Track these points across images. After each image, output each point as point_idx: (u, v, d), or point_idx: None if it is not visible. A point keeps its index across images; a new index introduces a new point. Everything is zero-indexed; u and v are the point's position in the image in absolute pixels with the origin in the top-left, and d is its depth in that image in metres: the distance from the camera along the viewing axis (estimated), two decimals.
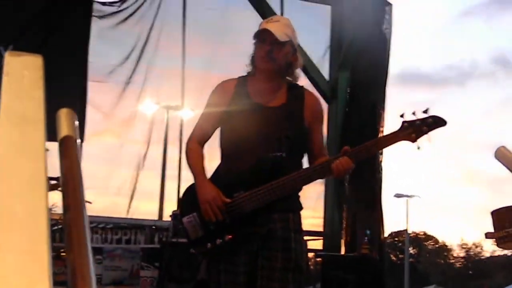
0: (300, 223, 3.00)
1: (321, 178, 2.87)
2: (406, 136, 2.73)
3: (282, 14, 7.94)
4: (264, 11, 7.67)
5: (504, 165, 1.49)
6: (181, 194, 3.23)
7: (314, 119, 2.97)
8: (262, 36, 2.86)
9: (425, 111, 2.70)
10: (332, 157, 2.83)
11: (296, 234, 2.93)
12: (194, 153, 2.98)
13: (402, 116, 2.74)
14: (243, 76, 2.99)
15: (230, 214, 2.83)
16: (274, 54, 2.85)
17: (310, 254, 7.32)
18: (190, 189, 2.99)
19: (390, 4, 7.88)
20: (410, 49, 70.22)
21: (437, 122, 2.71)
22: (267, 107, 2.90)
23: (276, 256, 2.82)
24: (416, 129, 2.71)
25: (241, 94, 2.92)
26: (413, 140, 2.72)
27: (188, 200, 2.97)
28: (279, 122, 2.84)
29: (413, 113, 2.71)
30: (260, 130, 2.84)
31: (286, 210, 2.90)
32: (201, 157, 2.97)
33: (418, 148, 2.72)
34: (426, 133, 2.71)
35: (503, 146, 1.47)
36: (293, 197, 2.96)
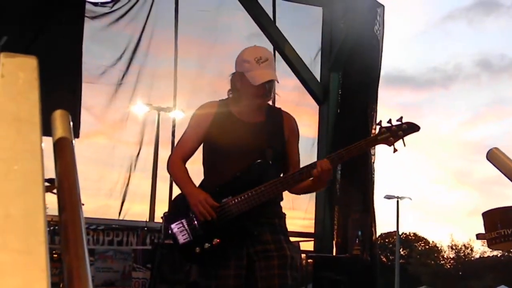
0: (286, 229, 3.18)
1: (303, 180, 3.03)
2: (384, 140, 3.03)
3: (274, 15, 7.95)
4: (256, 12, 7.69)
5: (496, 166, 1.50)
6: (173, 195, 3.36)
7: (292, 135, 3.23)
8: (267, 84, 3.06)
9: (399, 119, 3.02)
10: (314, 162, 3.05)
11: (284, 236, 3.12)
12: (177, 167, 3.15)
13: (379, 123, 3.05)
14: (224, 99, 3.20)
15: (219, 218, 2.97)
16: (271, 93, 3.13)
17: (302, 255, 7.32)
18: (177, 198, 3.17)
19: (382, 6, 7.87)
20: (394, 51, 70.54)
21: (411, 127, 3.03)
22: (250, 123, 3.12)
23: (272, 255, 2.97)
24: (392, 133, 3.01)
25: (224, 112, 3.14)
26: (390, 144, 3.02)
27: (176, 208, 3.14)
28: (262, 135, 3.09)
29: (389, 121, 3.02)
30: (244, 143, 3.06)
31: (272, 215, 3.10)
32: (186, 170, 3.14)
33: (395, 150, 3.02)
34: (401, 137, 3.02)
35: (495, 148, 1.48)
36: (277, 204, 3.16)
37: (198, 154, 3.25)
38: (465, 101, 75.17)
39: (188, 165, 3.17)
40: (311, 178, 3.01)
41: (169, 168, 3.17)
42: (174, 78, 7.67)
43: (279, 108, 3.32)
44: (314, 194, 7.98)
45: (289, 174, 3.07)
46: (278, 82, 3.14)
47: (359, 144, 3.02)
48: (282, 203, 3.20)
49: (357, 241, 7.14)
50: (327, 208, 7.79)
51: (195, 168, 3.27)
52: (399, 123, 3.01)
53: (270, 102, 3.36)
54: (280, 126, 3.19)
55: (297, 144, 3.28)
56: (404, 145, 3.01)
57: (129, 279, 6.24)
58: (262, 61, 3.02)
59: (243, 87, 3.08)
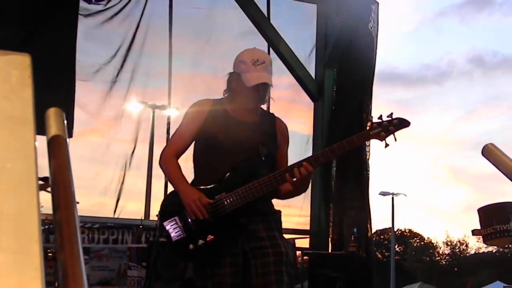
0: (281, 225, 3.20)
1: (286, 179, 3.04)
2: (375, 135, 3.07)
3: (268, 13, 7.94)
4: (251, 10, 7.67)
5: (491, 162, 1.50)
6: (167, 193, 3.34)
7: (283, 139, 3.29)
8: (261, 87, 3.12)
9: (390, 115, 3.06)
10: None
11: (279, 233, 3.12)
12: (170, 163, 3.15)
13: (370, 119, 3.13)
14: (218, 99, 3.24)
15: (213, 214, 2.98)
16: (265, 96, 3.19)
17: (298, 253, 7.32)
18: (170, 196, 3.17)
19: (376, 3, 7.88)
20: (387, 48, 70.76)
21: (402, 122, 3.06)
22: (244, 121, 3.16)
23: (267, 252, 2.98)
24: (384, 128, 3.05)
25: (218, 110, 3.17)
26: (382, 139, 3.06)
27: (169, 205, 3.13)
28: (256, 133, 3.13)
29: (380, 117, 3.07)
30: (238, 140, 3.08)
31: (265, 212, 3.11)
32: (179, 167, 3.15)
33: (387, 145, 3.05)
34: (392, 132, 3.05)
35: (491, 144, 1.48)
36: (270, 201, 3.18)
37: (190, 152, 3.25)
38: (459, 97, 75.46)
39: (182, 163, 3.16)
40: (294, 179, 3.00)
41: (162, 163, 3.17)
42: (168, 76, 7.65)
43: (272, 113, 3.40)
44: (309, 191, 7.97)
45: (278, 171, 3.05)
46: (272, 86, 3.17)
47: (351, 139, 3.05)
48: (278, 201, 3.21)
49: (352, 238, 7.14)
50: (322, 205, 7.78)
51: (189, 166, 3.26)
52: (389, 118, 3.06)
53: (265, 106, 3.39)
54: (273, 129, 3.24)
55: (287, 150, 3.34)
56: (395, 140, 3.05)
57: (125, 278, 6.22)
58: (258, 64, 3.07)
59: (238, 87, 3.13)
